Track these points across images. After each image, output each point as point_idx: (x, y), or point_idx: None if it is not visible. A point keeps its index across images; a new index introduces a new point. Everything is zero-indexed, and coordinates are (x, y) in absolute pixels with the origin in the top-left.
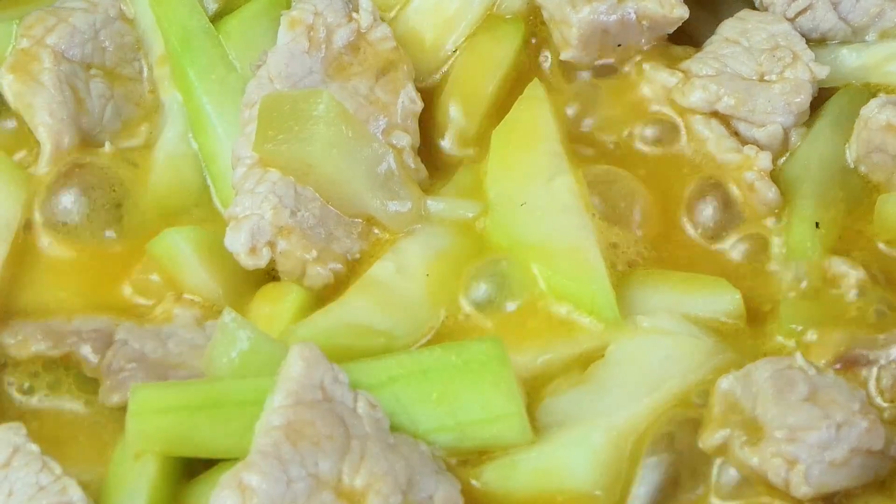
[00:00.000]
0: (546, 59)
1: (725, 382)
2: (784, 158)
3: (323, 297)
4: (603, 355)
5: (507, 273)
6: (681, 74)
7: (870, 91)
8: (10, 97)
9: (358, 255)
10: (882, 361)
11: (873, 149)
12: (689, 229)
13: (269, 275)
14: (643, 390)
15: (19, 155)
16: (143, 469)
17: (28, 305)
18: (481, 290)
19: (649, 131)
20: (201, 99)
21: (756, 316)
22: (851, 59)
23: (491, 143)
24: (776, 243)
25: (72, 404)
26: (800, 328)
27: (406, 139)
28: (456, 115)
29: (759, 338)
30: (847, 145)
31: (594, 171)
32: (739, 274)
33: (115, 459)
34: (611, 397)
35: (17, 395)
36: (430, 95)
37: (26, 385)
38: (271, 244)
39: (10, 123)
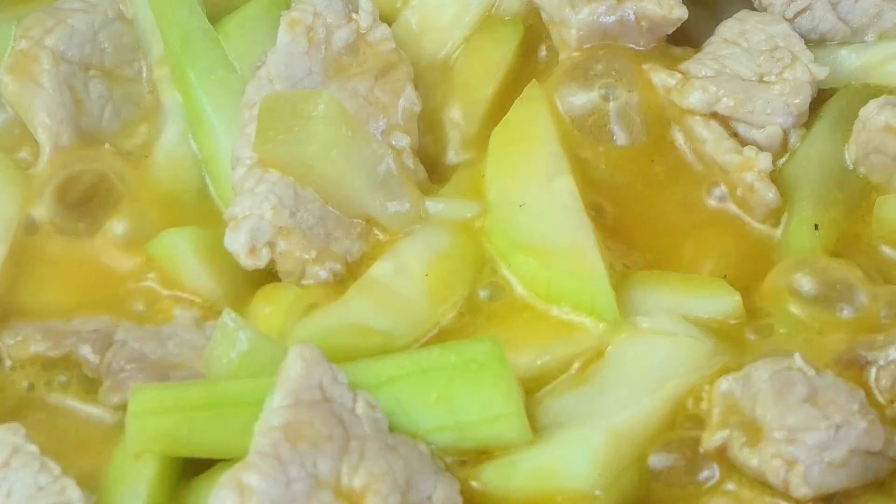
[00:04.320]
0: (545, 60)
1: (725, 383)
2: (784, 160)
3: (322, 297)
4: (602, 356)
5: (506, 275)
6: (680, 75)
7: (869, 92)
8: (9, 98)
9: (357, 256)
10: (881, 362)
11: (872, 150)
12: (688, 229)
13: (269, 275)
14: (643, 391)
15: (20, 154)
16: (143, 469)
17: (28, 306)
18: (483, 291)
19: (648, 133)
20: (201, 100)
21: (755, 317)
22: (850, 60)
23: (490, 144)
24: (776, 245)
25: (71, 405)
26: (799, 329)
27: (405, 140)
28: (455, 116)
29: (759, 339)
30: (846, 146)
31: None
32: (738, 275)
33: (114, 459)
34: (610, 398)
35: (15, 396)
36: (429, 96)
37: (25, 385)
38: (271, 244)
39: (11, 126)
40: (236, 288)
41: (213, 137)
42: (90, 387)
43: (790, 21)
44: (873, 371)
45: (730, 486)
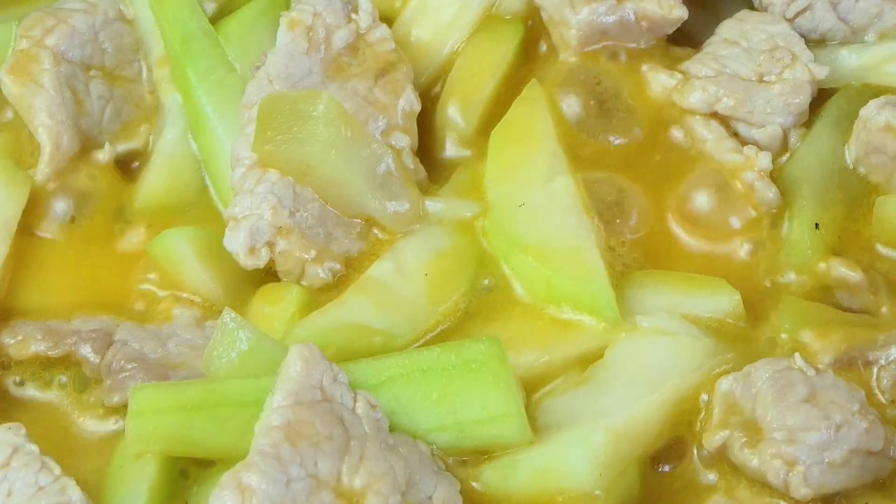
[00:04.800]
0: (544, 60)
1: (725, 383)
2: (784, 159)
3: (322, 297)
4: (602, 355)
5: (506, 274)
6: (680, 75)
7: (869, 92)
8: (9, 99)
9: (357, 256)
10: (882, 362)
11: (872, 150)
12: (689, 229)
13: (269, 275)
14: (643, 391)
15: (21, 155)
16: (143, 469)
17: (28, 305)
18: (483, 291)
19: (648, 132)
20: (201, 100)
21: (756, 316)
22: (851, 60)
23: (489, 144)
24: (775, 244)
25: (71, 404)
26: (799, 329)
27: (405, 140)
28: (455, 116)
29: (759, 338)
30: (846, 146)
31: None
32: (739, 274)
33: (115, 459)
34: (611, 397)
35: (16, 395)
36: (428, 96)
37: (26, 385)
38: (270, 244)
39: (11, 126)
40: (236, 288)
41: (213, 137)
42: (90, 386)
43: (790, 21)
44: (874, 371)
45: (730, 486)
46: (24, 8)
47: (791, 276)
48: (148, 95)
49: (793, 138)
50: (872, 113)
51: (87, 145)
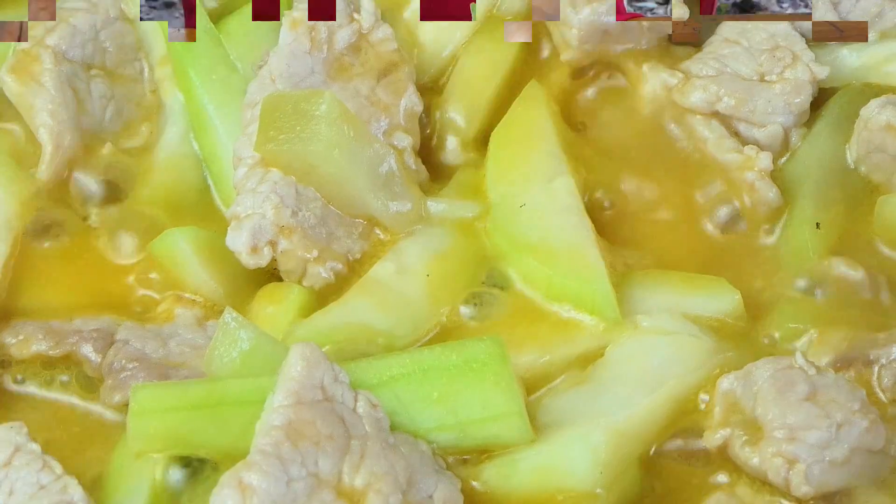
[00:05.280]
0: (545, 61)
1: (726, 382)
2: (784, 159)
3: (324, 296)
4: (603, 355)
5: (507, 274)
6: (681, 75)
7: (870, 91)
8: (11, 98)
9: (359, 255)
10: (882, 361)
11: (873, 149)
12: (689, 228)
13: (271, 275)
14: (643, 390)
15: (22, 154)
16: (144, 468)
17: (29, 305)
18: (484, 291)
19: (649, 132)
20: (202, 99)
21: (756, 316)
22: (851, 60)
23: (490, 145)
24: (776, 243)
25: (73, 404)
26: (800, 328)
27: (407, 140)
28: (456, 116)
29: (760, 338)
30: (847, 145)
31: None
32: (739, 274)
33: (115, 459)
34: (611, 397)
35: (17, 395)
36: (430, 96)
37: (27, 384)
38: (272, 243)
39: (13, 125)
40: (238, 287)
41: (214, 137)
42: (91, 386)
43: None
44: (874, 370)
45: (730, 484)
46: (25, 7)
47: (792, 276)
48: (149, 95)
49: (794, 138)
50: (873, 112)
51: (88, 145)
